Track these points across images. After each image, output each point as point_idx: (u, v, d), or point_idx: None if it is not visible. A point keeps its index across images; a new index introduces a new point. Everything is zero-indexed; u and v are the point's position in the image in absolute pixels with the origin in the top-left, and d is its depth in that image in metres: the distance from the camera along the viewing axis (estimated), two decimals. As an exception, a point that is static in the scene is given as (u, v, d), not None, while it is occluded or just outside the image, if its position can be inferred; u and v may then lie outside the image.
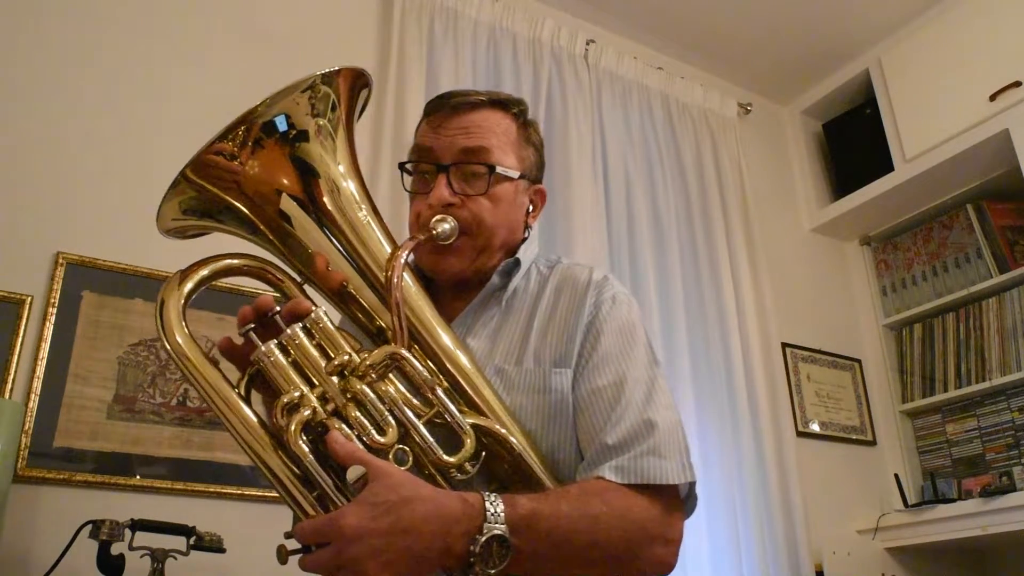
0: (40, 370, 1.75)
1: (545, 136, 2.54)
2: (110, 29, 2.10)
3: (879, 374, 3.20)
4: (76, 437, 1.74)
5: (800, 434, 2.85)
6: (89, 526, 1.53)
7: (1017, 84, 2.67)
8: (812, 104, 3.48)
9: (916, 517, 2.75)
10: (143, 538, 1.56)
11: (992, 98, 2.73)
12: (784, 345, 2.97)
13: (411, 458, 0.85)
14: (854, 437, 3.04)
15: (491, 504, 0.81)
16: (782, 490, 2.59)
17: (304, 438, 0.82)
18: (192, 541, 1.60)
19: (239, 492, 1.86)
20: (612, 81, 2.89)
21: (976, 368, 2.90)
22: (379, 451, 0.83)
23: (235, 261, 0.97)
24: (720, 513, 2.46)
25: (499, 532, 0.80)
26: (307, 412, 0.83)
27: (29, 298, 1.79)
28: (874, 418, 3.13)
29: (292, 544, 0.82)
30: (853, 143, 3.30)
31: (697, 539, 2.37)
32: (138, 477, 1.77)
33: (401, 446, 0.85)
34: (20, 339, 1.75)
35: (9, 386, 1.71)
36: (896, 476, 2.92)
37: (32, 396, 1.72)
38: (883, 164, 3.07)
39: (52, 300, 1.81)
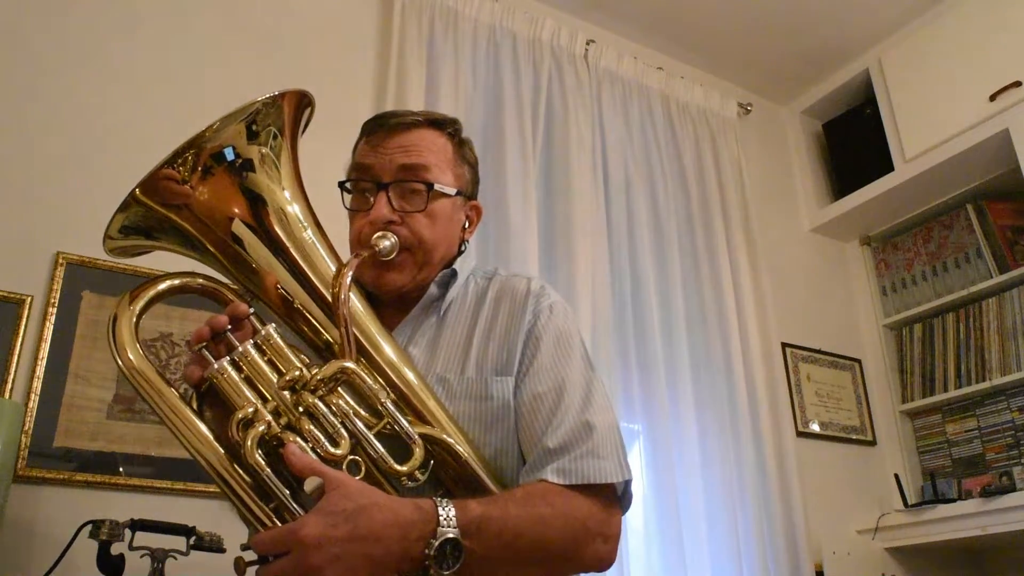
0: (40, 370, 1.75)
1: (545, 136, 2.61)
2: (110, 30, 2.10)
3: (879, 374, 3.20)
4: (76, 437, 1.75)
5: (800, 434, 2.85)
6: (89, 526, 1.52)
7: (1017, 84, 2.67)
8: (812, 104, 3.48)
9: (916, 517, 2.75)
10: (143, 538, 1.56)
11: (992, 98, 2.73)
12: (784, 345, 2.98)
13: (364, 468, 0.88)
14: (854, 437, 3.04)
15: (443, 509, 0.85)
16: (782, 490, 2.59)
17: (259, 451, 0.85)
18: (192, 541, 1.60)
19: (239, 492, 1.86)
20: (612, 81, 2.89)
21: (976, 368, 2.90)
22: (333, 462, 0.86)
23: (189, 280, 1.00)
24: (720, 513, 2.46)
25: (452, 535, 0.84)
26: (262, 427, 0.86)
27: (29, 298, 1.79)
28: (874, 418, 3.13)
29: (250, 556, 0.84)
30: (853, 143, 3.30)
31: (697, 539, 2.37)
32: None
33: (354, 457, 0.88)
34: (20, 339, 1.75)
35: (9, 386, 1.71)
36: (896, 476, 2.92)
37: (32, 396, 1.73)
38: (883, 164, 3.07)
39: (52, 300, 1.81)
